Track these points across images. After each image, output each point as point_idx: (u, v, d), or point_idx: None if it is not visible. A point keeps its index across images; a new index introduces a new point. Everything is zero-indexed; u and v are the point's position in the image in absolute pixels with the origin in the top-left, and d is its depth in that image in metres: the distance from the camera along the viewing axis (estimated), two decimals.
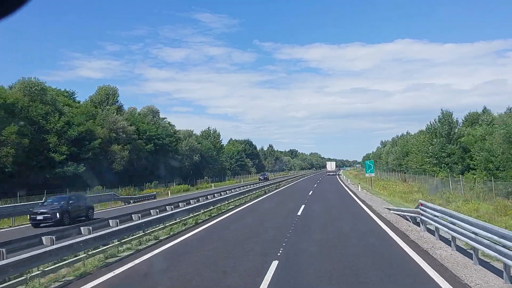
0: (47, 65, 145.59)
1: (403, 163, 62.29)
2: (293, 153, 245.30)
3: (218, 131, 73.40)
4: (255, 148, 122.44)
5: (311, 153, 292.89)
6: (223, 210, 22.08)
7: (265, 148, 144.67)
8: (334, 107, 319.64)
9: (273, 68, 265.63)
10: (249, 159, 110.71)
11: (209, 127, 74.11)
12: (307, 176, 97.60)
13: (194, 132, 68.66)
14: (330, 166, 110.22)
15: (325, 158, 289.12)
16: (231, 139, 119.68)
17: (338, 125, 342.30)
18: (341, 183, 56.37)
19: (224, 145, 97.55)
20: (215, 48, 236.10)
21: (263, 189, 38.01)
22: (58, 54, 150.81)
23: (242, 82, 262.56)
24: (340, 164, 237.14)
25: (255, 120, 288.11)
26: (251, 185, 44.11)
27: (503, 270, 7.45)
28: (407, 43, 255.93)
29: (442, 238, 11.77)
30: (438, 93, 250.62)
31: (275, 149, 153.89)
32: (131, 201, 30.71)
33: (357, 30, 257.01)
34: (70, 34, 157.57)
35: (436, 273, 8.20)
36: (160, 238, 13.61)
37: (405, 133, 69.59)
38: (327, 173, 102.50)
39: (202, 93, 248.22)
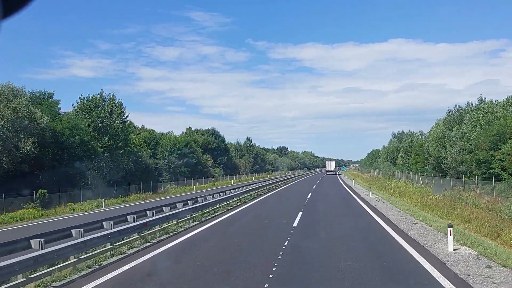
0: (38, 63, 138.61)
1: (491, 158, 28.38)
2: (282, 151, 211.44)
3: (119, 100, 38.40)
4: (223, 141, 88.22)
5: (304, 151, 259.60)
6: None
7: (242, 142, 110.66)
8: (328, 107, 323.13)
9: (266, 67, 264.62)
10: (209, 155, 76.55)
11: (102, 91, 38.85)
12: (292, 181, 64.11)
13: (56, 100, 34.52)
14: (330, 165, 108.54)
15: (319, 157, 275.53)
16: (189, 128, 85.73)
17: (332, 125, 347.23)
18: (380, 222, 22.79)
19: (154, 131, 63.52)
20: (208, 47, 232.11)
21: None
22: (49, 52, 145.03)
23: (236, 82, 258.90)
24: (335, 164, 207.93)
25: (249, 119, 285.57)
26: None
27: None
28: (401, 43, 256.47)
29: None
30: (432, 93, 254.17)
31: (255, 144, 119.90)
32: None
33: (351, 29, 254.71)
34: (61, 32, 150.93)
35: None
36: None
37: (476, 102, 36.00)
38: (327, 173, 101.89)
39: (196, 93, 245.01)
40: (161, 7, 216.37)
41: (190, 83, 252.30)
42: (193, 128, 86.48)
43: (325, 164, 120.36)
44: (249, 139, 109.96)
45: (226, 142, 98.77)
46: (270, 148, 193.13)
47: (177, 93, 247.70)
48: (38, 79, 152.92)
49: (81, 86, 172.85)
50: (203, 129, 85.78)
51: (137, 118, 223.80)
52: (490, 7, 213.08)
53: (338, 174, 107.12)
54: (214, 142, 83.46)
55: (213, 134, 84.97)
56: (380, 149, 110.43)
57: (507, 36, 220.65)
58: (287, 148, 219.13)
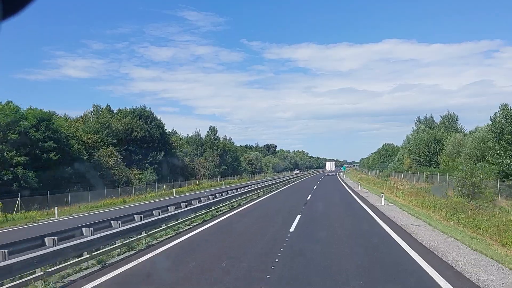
0: (30, 63, 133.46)
1: None
2: (270, 149, 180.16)
3: None
4: (160, 127, 55.92)
5: (296, 150, 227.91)
6: None
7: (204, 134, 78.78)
8: (322, 108, 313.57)
9: (261, 68, 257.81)
10: (115, 148, 44.82)
11: None
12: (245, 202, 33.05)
13: None
14: (330, 166, 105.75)
15: (313, 157, 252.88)
16: (107, 106, 53.94)
17: (327, 126, 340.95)
18: None
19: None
20: (202, 47, 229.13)
21: None
22: (41, 53, 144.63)
23: (230, 82, 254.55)
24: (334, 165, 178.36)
25: (243, 120, 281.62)
26: None
27: None
28: (395, 43, 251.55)
29: None
30: (426, 94, 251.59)
31: (227, 138, 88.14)
32: None
33: (345, 30, 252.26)
34: (52, 32, 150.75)
35: None
36: None
37: None
38: (327, 173, 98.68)
39: (189, 93, 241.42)
40: (154, 7, 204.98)
41: (184, 83, 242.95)
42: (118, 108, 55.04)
43: (324, 165, 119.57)
44: (213, 129, 78.17)
45: (175, 133, 67.70)
46: (255, 145, 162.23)
47: (171, 93, 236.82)
48: (30, 80, 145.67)
49: (74, 87, 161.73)
50: (128, 109, 54.26)
51: None
52: (484, 8, 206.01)
53: (338, 175, 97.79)
54: (143, 128, 51.84)
55: (142, 116, 53.27)
56: (400, 144, 79.62)
57: (501, 37, 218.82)
58: (276, 146, 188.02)
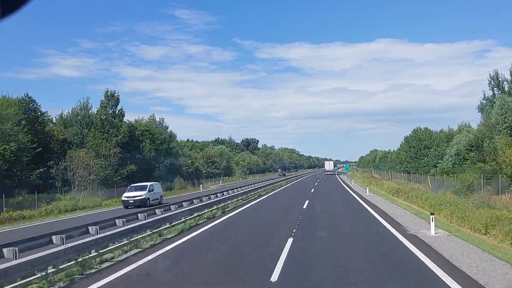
0: (20, 62, 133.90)
1: None
2: (250, 145, 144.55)
3: None
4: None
5: (283, 147, 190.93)
6: None
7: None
8: (316, 107, 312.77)
9: (254, 67, 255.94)
10: None
11: None
12: None
13: None
14: (328, 165, 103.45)
15: (304, 156, 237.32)
16: None
17: (321, 125, 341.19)
18: None
19: None
20: (194, 46, 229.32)
21: None
22: (30, 51, 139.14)
23: (223, 82, 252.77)
24: (322, 165, 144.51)
25: (236, 120, 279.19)
26: None
27: None
28: (388, 43, 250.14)
29: None
30: (419, 94, 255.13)
31: (150, 117, 52.39)
32: None
33: (338, 29, 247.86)
34: (43, 30, 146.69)
35: None
36: None
37: None
38: (326, 173, 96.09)
39: (182, 93, 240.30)
40: (145, 5, 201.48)
41: (176, 82, 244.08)
42: None
43: (323, 164, 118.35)
44: (111, 96, 42.30)
45: None
46: (227, 139, 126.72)
47: (163, 93, 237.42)
48: (21, 78, 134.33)
49: (67, 86, 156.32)
50: None
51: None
52: (476, 7, 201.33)
53: (338, 175, 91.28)
54: None
55: None
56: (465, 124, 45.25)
57: (493, 37, 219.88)
58: (258, 141, 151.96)
